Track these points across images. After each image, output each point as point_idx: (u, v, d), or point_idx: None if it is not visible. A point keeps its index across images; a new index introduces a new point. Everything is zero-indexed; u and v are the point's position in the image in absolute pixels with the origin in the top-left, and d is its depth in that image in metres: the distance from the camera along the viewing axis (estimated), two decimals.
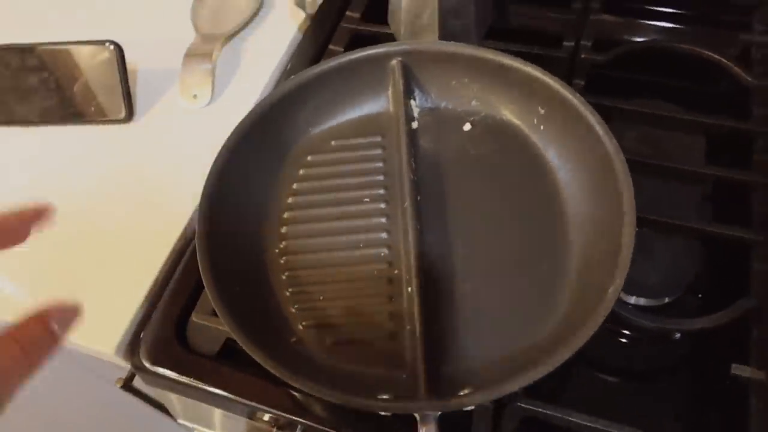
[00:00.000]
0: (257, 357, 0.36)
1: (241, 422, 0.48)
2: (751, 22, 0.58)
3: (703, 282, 0.47)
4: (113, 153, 0.55)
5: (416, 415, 0.34)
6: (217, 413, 0.49)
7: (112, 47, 0.55)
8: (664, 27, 0.59)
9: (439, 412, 0.34)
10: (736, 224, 0.46)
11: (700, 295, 0.47)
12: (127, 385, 0.50)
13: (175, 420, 0.57)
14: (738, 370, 0.39)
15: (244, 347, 0.37)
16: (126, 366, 0.47)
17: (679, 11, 0.59)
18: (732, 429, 0.42)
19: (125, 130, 0.56)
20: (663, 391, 0.46)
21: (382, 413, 0.37)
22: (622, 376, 0.47)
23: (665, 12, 0.59)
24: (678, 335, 0.47)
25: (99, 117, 0.56)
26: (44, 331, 0.24)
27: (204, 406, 0.49)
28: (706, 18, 0.59)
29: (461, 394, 0.35)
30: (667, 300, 0.47)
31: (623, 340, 0.48)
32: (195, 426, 0.56)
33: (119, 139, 0.56)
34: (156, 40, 0.61)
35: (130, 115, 0.56)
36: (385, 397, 0.36)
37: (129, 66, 0.56)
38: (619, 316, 0.43)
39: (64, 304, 0.25)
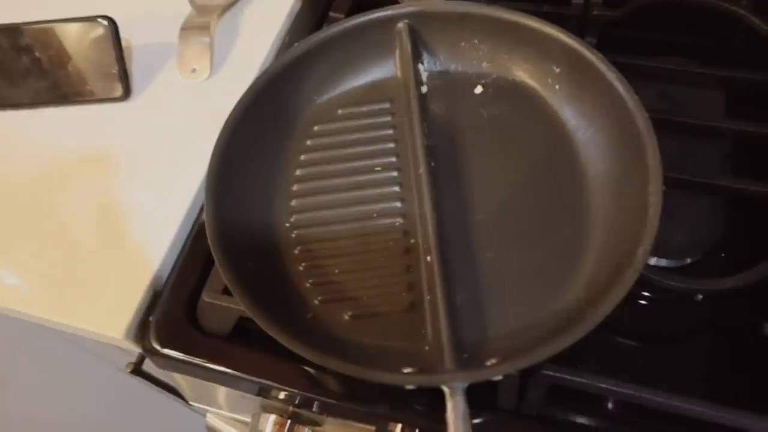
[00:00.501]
0: (275, 334, 0.35)
1: (255, 402, 0.47)
2: None
3: (725, 241, 0.46)
4: (112, 133, 0.53)
5: (444, 387, 0.33)
6: (230, 394, 0.48)
7: (105, 23, 0.53)
8: None
9: (467, 384, 0.33)
10: (758, 179, 0.45)
11: (723, 255, 0.46)
12: (137, 370, 0.49)
13: (187, 403, 0.56)
14: None
15: (260, 324, 0.36)
16: (136, 351, 0.46)
17: None
18: (760, 388, 0.41)
19: (123, 109, 0.54)
20: (685, 353, 0.45)
21: (407, 387, 0.36)
22: (642, 339, 0.46)
23: None
24: (700, 296, 0.45)
25: (95, 96, 0.54)
26: None
27: (215, 387, 0.48)
28: None
29: (488, 364, 0.34)
30: (688, 261, 0.45)
31: (642, 302, 0.46)
32: (208, 408, 0.55)
33: (117, 119, 0.54)
34: (150, 14, 0.58)
35: (127, 93, 0.54)
36: (409, 370, 0.35)
37: (123, 42, 0.54)
38: (643, 278, 0.41)
39: None
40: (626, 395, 0.37)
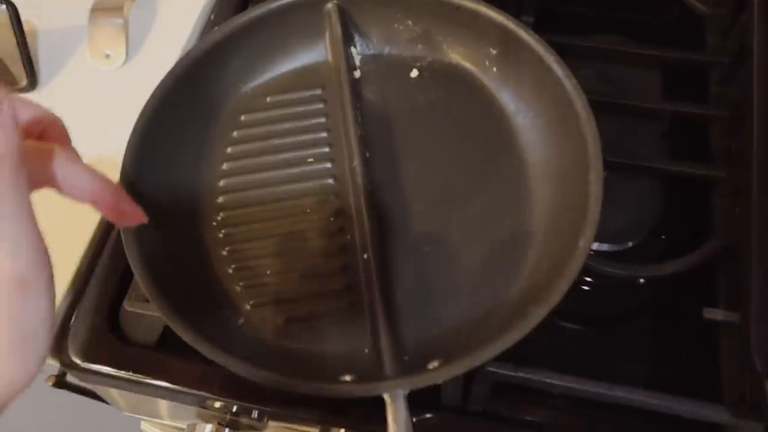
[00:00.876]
0: (198, 345, 0.33)
1: (191, 410, 0.44)
2: None
3: (665, 223, 0.45)
4: None
5: (385, 395, 0.31)
6: (165, 403, 0.45)
7: (3, 6, 0.48)
8: None
9: (408, 390, 0.31)
10: (695, 160, 0.45)
11: (663, 237, 0.46)
12: (60, 382, 0.45)
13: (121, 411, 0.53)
14: (710, 313, 0.37)
15: (181, 335, 0.33)
16: (55, 364, 0.42)
17: None
18: (701, 371, 0.41)
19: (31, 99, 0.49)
20: (627, 337, 0.45)
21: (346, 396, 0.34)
22: (585, 323, 0.46)
23: None
24: (642, 280, 0.45)
25: None
26: None
27: (142, 397, 0.45)
28: None
29: (430, 367, 0.32)
30: (630, 245, 0.45)
31: (584, 288, 0.46)
32: (142, 417, 0.52)
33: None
34: None
35: (33, 83, 0.49)
36: (347, 378, 0.33)
37: (26, 26, 0.49)
38: (585, 265, 0.40)
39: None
40: (570, 389, 0.36)
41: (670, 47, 0.49)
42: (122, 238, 0.35)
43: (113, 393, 0.45)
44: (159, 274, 0.35)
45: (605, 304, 0.46)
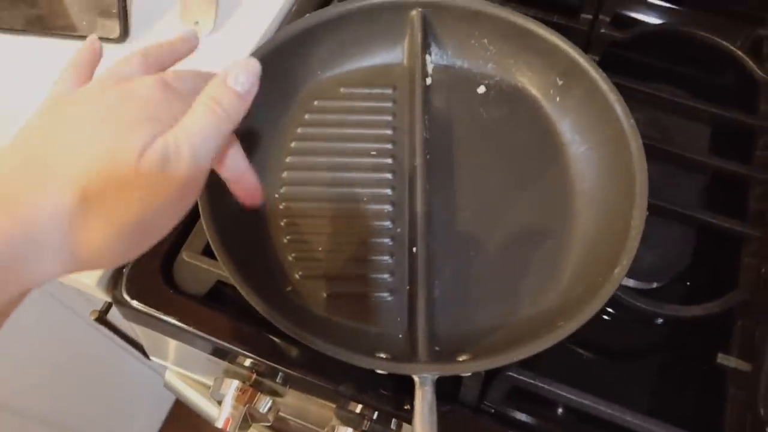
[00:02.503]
0: (255, 303, 0.35)
1: (219, 366, 0.47)
2: (766, 17, 0.58)
3: (691, 270, 0.48)
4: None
5: (415, 377, 0.34)
6: (195, 355, 0.48)
7: None
8: (680, 10, 0.58)
9: (437, 376, 0.34)
10: (731, 216, 0.47)
11: (687, 283, 0.48)
12: (102, 318, 0.48)
13: (147, 357, 0.56)
14: (724, 359, 0.40)
15: (241, 291, 0.36)
16: (103, 299, 0.45)
17: None
18: (705, 412, 0.43)
19: (118, 51, 0.52)
20: (638, 370, 0.47)
21: (379, 371, 0.36)
22: (599, 351, 0.48)
23: None
24: (660, 320, 0.47)
25: (90, 33, 0.52)
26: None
27: (181, 345, 0.48)
28: (722, 8, 0.58)
29: (459, 360, 0.35)
30: (655, 285, 0.47)
31: (605, 317, 0.48)
32: (168, 365, 0.55)
33: (109, 60, 0.52)
34: None
35: (125, 34, 0.53)
36: (383, 356, 0.36)
37: None
38: (612, 296, 0.43)
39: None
40: (584, 405, 0.39)
41: (724, 105, 0.52)
42: (198, 198, 0.38)
43: (153, 336, 0.48)
44: (225, 233, 0.38)
45: (622, 336, 0.48)
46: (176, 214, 0.28)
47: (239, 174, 0.32)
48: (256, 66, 0.29)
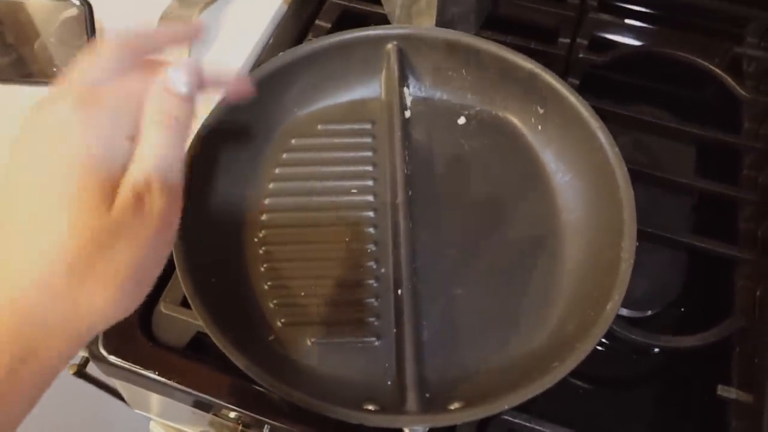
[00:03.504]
0: (234, 358, 0.34)
1: (204, 418, 0.46)
2: (744, 34, 0.58)
3: (685, 296, 0.47)
4: None
5: (405, 429, 0.32)
6: (179, 407, 0.46)
7: (79, 3, 0.50)
8: (659, 30, 0.58)
9: (429, 427, 0.32)
10: (722, 239, 0.46)
11: (682, 309, 0.47)
12: (81, 372, 0.47)
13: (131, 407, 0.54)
14: (724, 391, 0.39)
15: (220, 346, 0.34)
16: (80, 353, 0.44)
17: (674, 17, 0.58)
18: None
19: None
20: (635, 401, 0.46)
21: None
22: (594, 383, 0.47)
23: (660, 15, 0.58)
24: (656, 349, 0.46)
25: None
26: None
27: (162, 398, 0.46)
28: (700, 26, 0.58)
29: (452, 408, 0.34)
30: (649, 313, 0.46)
31: (599, 348, 0.47)
32: (152, 417, 0.53)
33: None
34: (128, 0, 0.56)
35: None
36: (370, 407, 0.34)
37: (97, 25, 0.51)
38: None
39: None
40: None
41: (708, 125, 0.51)
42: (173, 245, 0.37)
43: (132, 390, 0.46)
44: (202, 283, 0.36)
45: (618, 366, 0.47)
46: (168, 243, 0.26)
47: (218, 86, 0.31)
48: (191, 62, 0.27)
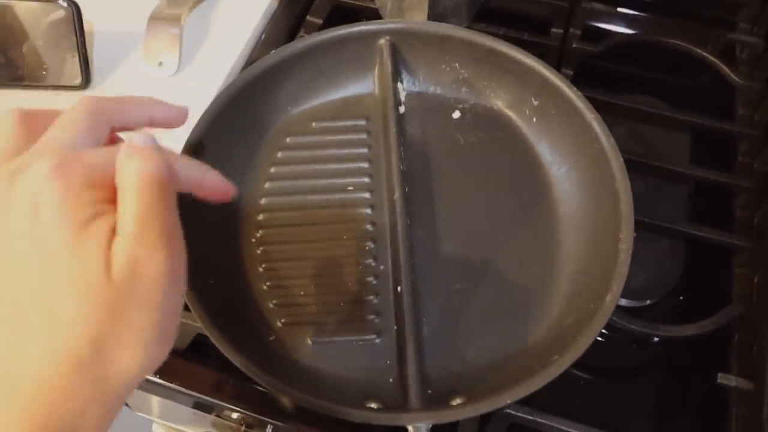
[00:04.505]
0: (234, 359, 0.34)
1: (206, 419, 0.45)
2: (736, 20, 0.58)
3: (684, 284, 0.47)
4: None
5: (409, 426, 0.32)
6: (180, 409, 0.46)
7: (66, 5, 0.50)
8: (651, 18, 0.58)
9: (432, 424, 0.32)
10: (719, 227, 0.46)
11: (681, 298, 0.47)
12: None
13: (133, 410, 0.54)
14: (724, 379, 0.39)
15: (219, 347, 0.34)
16: None
17: (666, 4, 0.58)
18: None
19: None
20: (636, 391, 0.46)
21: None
22: (596, 373, 0.47)
23: (652, 3, 0.58)
24: (656, 338, 0.46)
25: (52, 82, 0.51)
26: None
27: (164, 400, 0.46)
28: (692, 13, 0.58)
29: (454, 404, 0.34)
30: (648, 302, 0.46)
31: (599, 339, 0.47)
32: (154, 419, 0.53)
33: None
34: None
35: (87, 82, 0.51)
36: (372, 405, 0.34)
37: (86, 26, 0.50)
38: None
39: None
40: None
41: (703, 113, 0.51)
42: None
43: (134, 393, 0.46)
44: (200, 283, 0.36)
45: (618, 356, 0.47)
46: (180, 295, 0.25)
47: (198, 183, 0.30)
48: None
